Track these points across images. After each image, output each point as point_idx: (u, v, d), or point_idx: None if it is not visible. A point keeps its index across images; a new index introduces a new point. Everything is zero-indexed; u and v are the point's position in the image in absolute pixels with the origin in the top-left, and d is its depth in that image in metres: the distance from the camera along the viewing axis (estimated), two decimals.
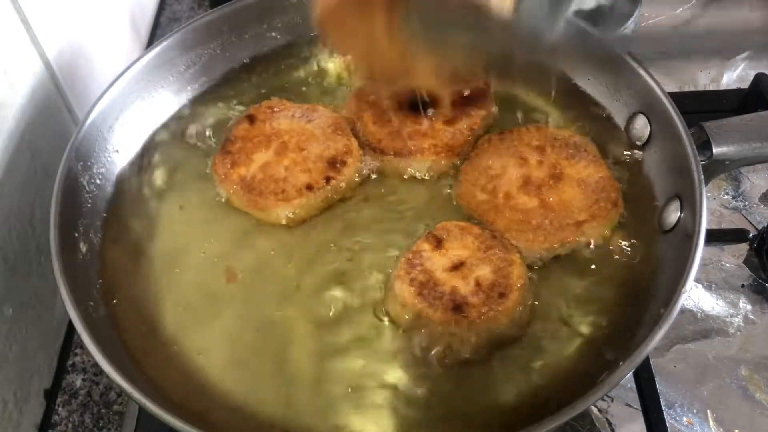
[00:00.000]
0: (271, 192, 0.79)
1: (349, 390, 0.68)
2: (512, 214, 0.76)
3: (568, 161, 0.80)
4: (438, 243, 0.73)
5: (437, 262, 0.72)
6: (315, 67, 0.96)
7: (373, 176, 0.83)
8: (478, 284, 0.70)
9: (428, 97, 0.85)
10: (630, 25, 1.12)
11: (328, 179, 0.80)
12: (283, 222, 0.79)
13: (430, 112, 0.85)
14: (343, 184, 0.81)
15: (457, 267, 0.71)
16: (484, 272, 0.71)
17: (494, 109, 0.87)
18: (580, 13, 1.01)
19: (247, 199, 0.79)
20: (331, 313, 0.73)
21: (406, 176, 0.83)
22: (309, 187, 0.79)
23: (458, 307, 0.68)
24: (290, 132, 0.84)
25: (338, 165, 0.81)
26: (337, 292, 0.74)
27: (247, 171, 0.80)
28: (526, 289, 0.71)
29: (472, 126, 0.84)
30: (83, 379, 0.86)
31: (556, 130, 0.83)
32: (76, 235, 0.74)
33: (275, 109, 0.86)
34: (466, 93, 0.85)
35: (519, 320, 0.70)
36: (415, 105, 0.85)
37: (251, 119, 0.85)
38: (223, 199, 0.81)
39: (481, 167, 0.80)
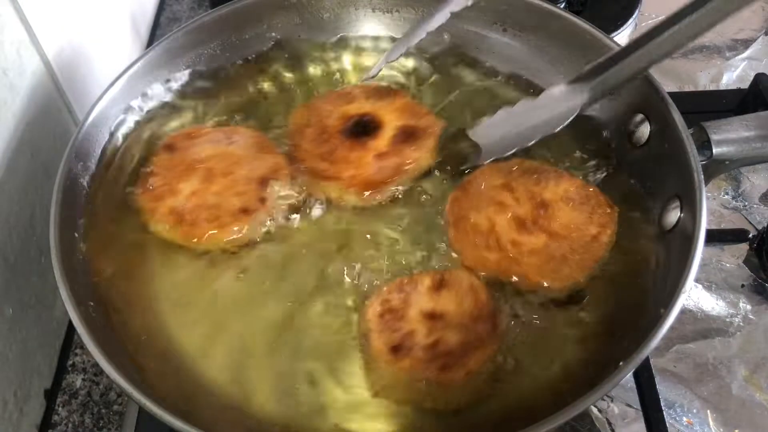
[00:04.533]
0: (203, 220, 0.75)
1: (350, 389, 0.68)
2: (533, 258, 0.72)
3: (539, 186, 0.78)
4: (440, 285, 0.70)
5: (418, 301, 0.69)
6: (316, 68, 0.96)
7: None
8: (435, 345, 0.66)
9: (374, 126, 0.84)
10: (629, 25, 1.12)
11: (263, 200, 0.77)
12: (229, 248, 0.76)
13: (369, 141, 0.82)
14: (278, 204, 0.78)
15: (433, 317, 0.68)
16: (452, 338, 0.66)
17: (433, 149, 0.83)
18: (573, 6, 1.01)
19: (180, 232, 0.76)
20: (329, 316, 0.73)
21: (330, 200, 0.80)
22: (245, 211, 0.76)
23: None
24: (214, 157, 0.81)
25: (270, 183, 0.78)
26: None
27: (175, 200, 0.77)
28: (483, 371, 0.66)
29: (401, 165, 0.80)
30: (83, 379, 0.86)
31: (505, 162, 0.80)
32: (76, 235, 0.74)
33: (194, 135, 0.83)
34: (411, 130, 0.82)
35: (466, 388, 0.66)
36: (359, 131, 0.83)
37: (170, 149, 0.81)
38: (154, 233, 0.77)
39: (469, 229, 0.75)
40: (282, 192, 0.80)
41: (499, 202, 0.77)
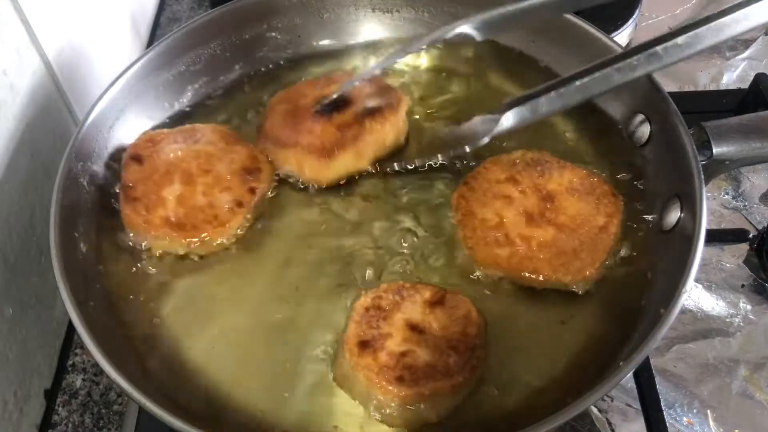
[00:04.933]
0: (203, 222, 0.75)
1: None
2: (544, 252, 0.72)
3: (543, 178, 0.78)
4: (438, 302, 0.69)
5: (408, 309, 0.69)
6: (315, 68, 0.96)
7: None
8: (402, 355, 0.65)
9: (344, 103, 0.83)
10: (629, 25, 1.12)
11: (252, 190, 0.78)
12: (227, 245, 0.77)
13: (335, 115, 0.82)
14: (265, 190, 0.79)
15: (414, 329, 0.68)
16: (422, 355, 0.66)
17: (401, 124, 0.84)
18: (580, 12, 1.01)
19: (182, 237, 0.75)
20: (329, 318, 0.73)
21: (281, 175, 0.82)
22: (239, 204, 0.77)
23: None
24: (185, 158, 0.80)
25: (254, 172, 0.79)
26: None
27: (165, 210, 0.76)
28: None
29: (357, 134, 0.80)
30: (83, 379, 0.86)
31: (507, 156, 0.81)
32: (76, 235, 0.74)
33: (156, 140, 0.82)
34: (378, 105, 0.83)
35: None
36: (328, 109, 0.83)
37: (138, 159, 0.79)
38: (150, 248, 0.77)
39: (477, 225, 0.75)
40: (267, 178, 0.80)
41: (505, 195, 0.77)
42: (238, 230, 0.77)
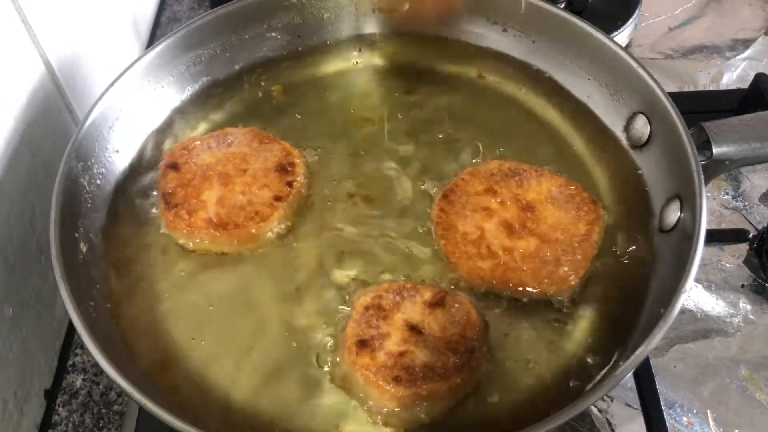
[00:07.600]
0: (245, 219, 0.77)
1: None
2: (527, 263, 0.72)
3: (521, 188, 0.78)
4: (438, 303, 0.69)
5: (408, 309, 0.69)
6: (315, 68, 0.96)
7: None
8: (401, 355, 0.66)
9: None
10: (629, 25, 1.12)
11: (290, 184, 0.79)
12: (272, 240, 0.78)
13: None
14: (302, 183, 0.81)
15: (413, 329, 0.68)
16: (420, 356, 0.66)
17: None
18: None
19: (226, 237, 0.76)
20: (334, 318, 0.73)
21: None
22: (278, 198, 0.78)
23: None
24: (221, 161, 0.82)
25: (289, 167, 0.81)
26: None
27: (207, 212, 0.77)
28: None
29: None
30: (83, 379, 0.86)
31: (484, 166, 0.81)
32: (76, 235, 0.74)
33: (190, 147, 0.83)
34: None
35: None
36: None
37: (174, 166, 0.81)
38: (193, 249, 0.78)
39: (459, 239, 0.75)
40: (302, 171, 0.81)
41: (485, 207, 0.77)
42: (280, 224, 0.78)
